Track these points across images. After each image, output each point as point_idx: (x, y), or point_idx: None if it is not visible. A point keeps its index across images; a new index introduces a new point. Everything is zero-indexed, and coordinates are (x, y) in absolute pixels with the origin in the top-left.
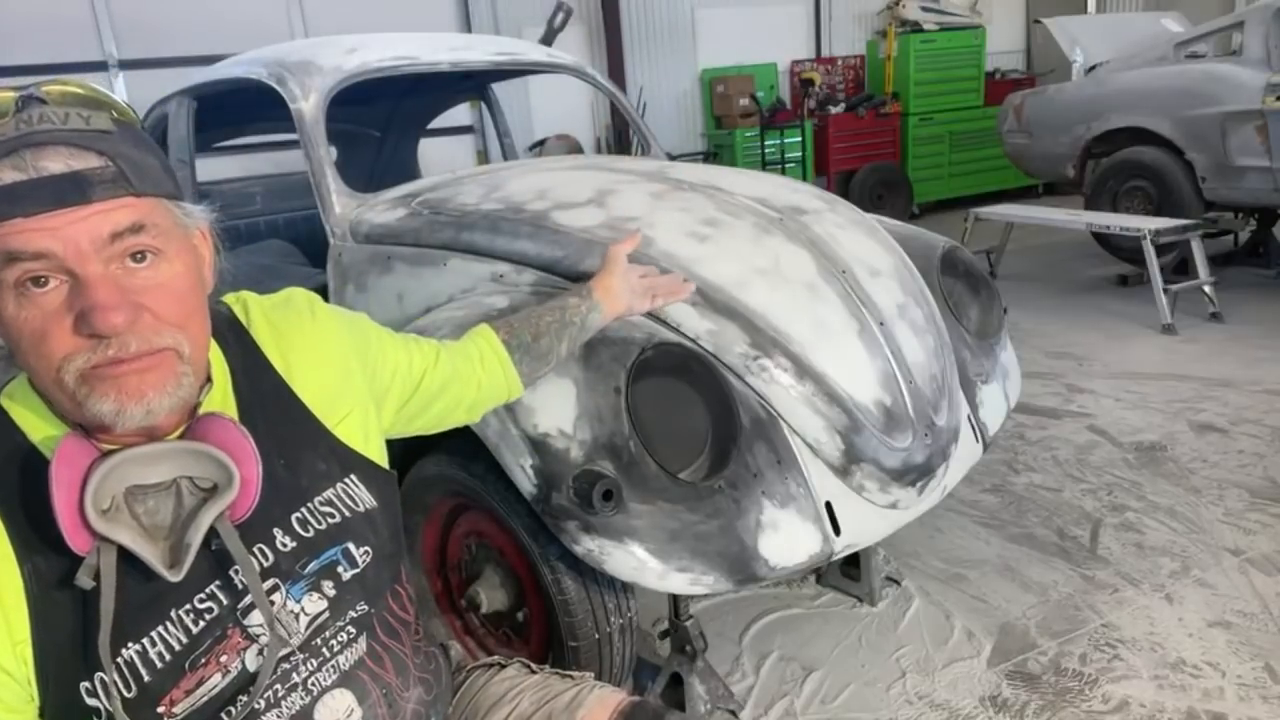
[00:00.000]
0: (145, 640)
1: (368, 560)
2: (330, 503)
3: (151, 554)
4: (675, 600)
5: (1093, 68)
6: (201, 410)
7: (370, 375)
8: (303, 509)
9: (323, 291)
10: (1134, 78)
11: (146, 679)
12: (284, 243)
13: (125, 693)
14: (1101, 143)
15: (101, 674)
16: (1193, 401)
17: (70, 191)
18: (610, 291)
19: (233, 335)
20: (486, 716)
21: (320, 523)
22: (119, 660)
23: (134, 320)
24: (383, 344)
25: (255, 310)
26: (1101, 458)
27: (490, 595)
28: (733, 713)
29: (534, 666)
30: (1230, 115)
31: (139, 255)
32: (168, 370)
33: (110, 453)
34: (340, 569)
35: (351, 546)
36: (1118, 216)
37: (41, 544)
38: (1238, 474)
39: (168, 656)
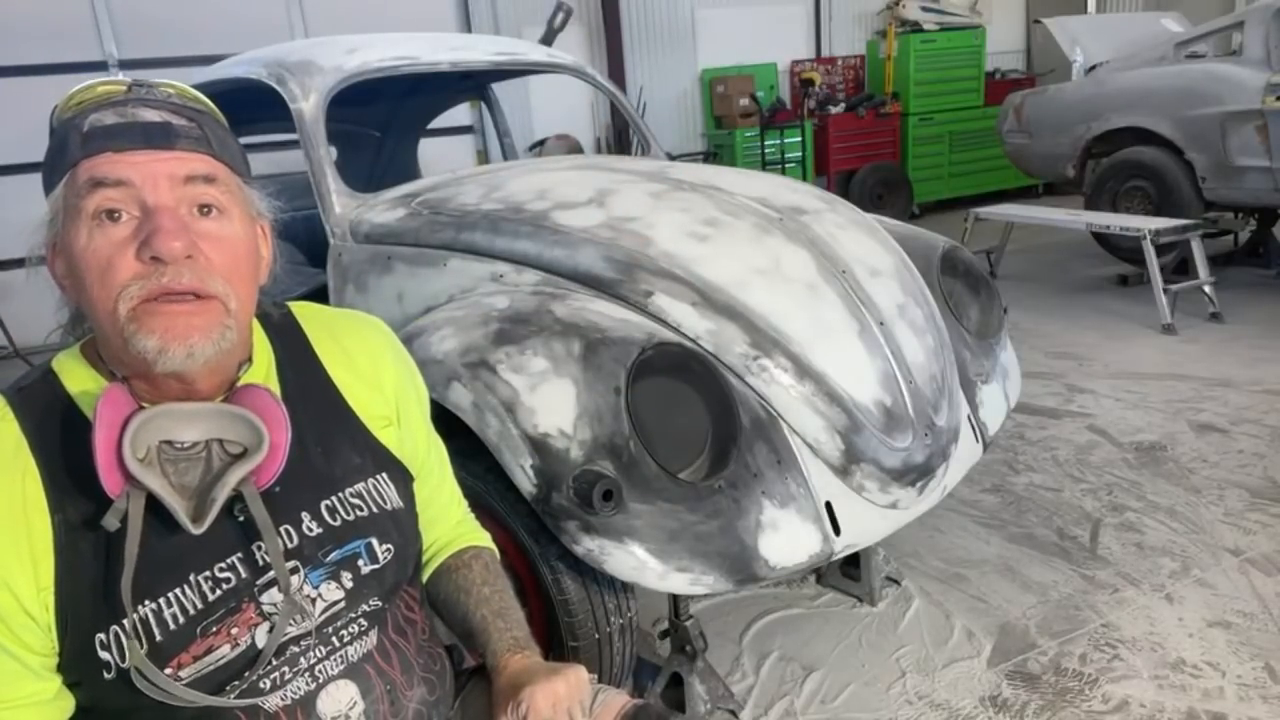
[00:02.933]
0: (162, 600)
1: (389, 557)
2: (360, 496)
3: (178, 504)
4: (675, 600)
5: (1093, 68)
6: (240, 385)
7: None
8: (333, 498)
9: (323, 291)
10: (1134, 78)
11: (158, 638)
12: (284, 243)
13: (129, 647)
14: (1101, 143)
15: (116, 626)
16: (1193, 401)
17: (158, 135)
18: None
19: (285, 330)
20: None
21: (349, 514)
22: (135, 616)
23: (191, 253)
24: (422, 428)
25: (317, 316)
26: (1101, 458)
27: None
28: (733, 713)
29: None
30: (1230, 115)
31: (206, 209)
32: (215, 318)
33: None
34: (361, 562)
35: (375, 542)
36: (1118, 216)
37: (73, 493)
38: (1238, 474)
39: (181, 619)
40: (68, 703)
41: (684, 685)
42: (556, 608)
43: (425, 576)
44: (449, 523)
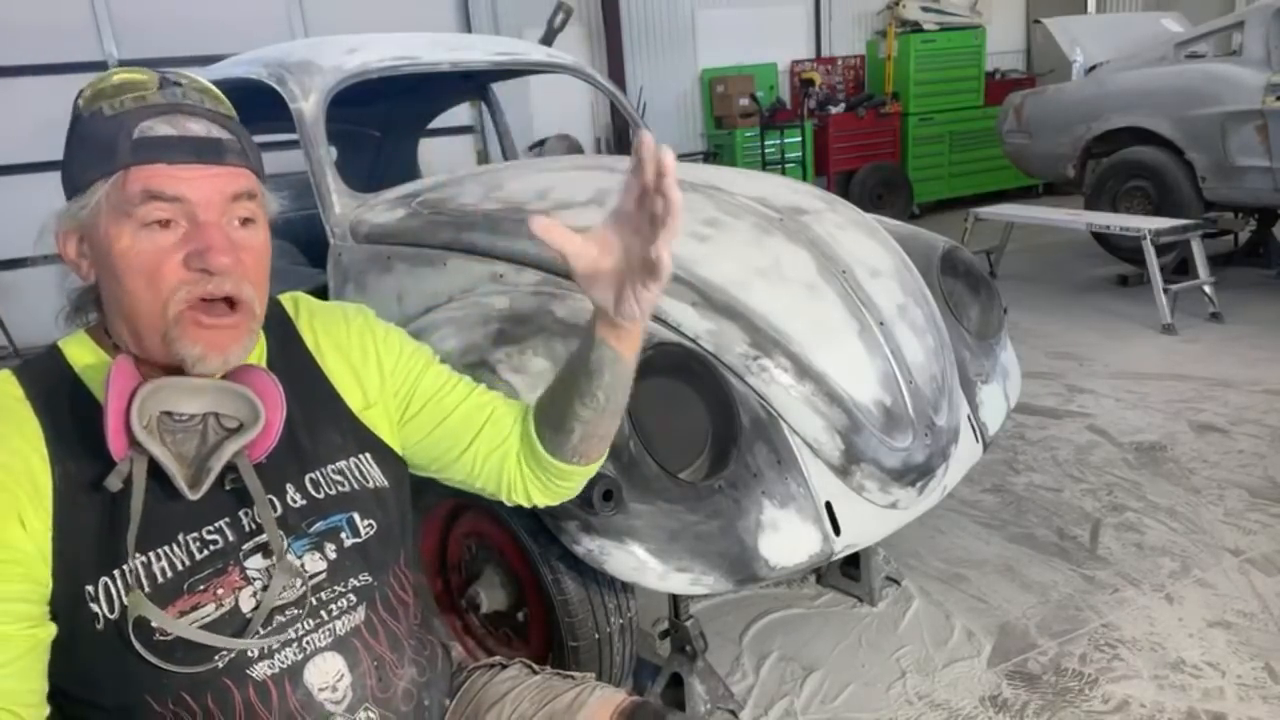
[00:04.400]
0: (151, 554)
1: (371, 533)
2: (342, 473)
3: (177, 471)
4: (675, 600)
5: (1093, 68)
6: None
7: (398, 391)
8: (316, 472)
9: (323, 291)
10: (1134, 78)
11: (147, 590)
12: (284, 243)
13: (130, 595)
14: (1101, 143)
15: (105, 577)
16: (1193, 401)
17: (209, 151)
18: (603, 322)
19: (275, 319)
20: (487, 716)
21: (331, 488)
22: (124, 568)
23: (234, 265)
24: (425, 371)
25: (304, 306)
26: (1101, 458)
27: (490, 595)
28: (733, 713)
29: (535, 667)
30: (1230, 115)
31: (243, 220)
32: (245, 329)
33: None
34: (343, 535)
35: (357, 516)
36: (1118, 216)
37: (74, 452)
38: (1238, 474)
39: (169, 573)
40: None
41: (684, 685)
42: (556, 608)
43: (535, 439)
44: (505, 411)
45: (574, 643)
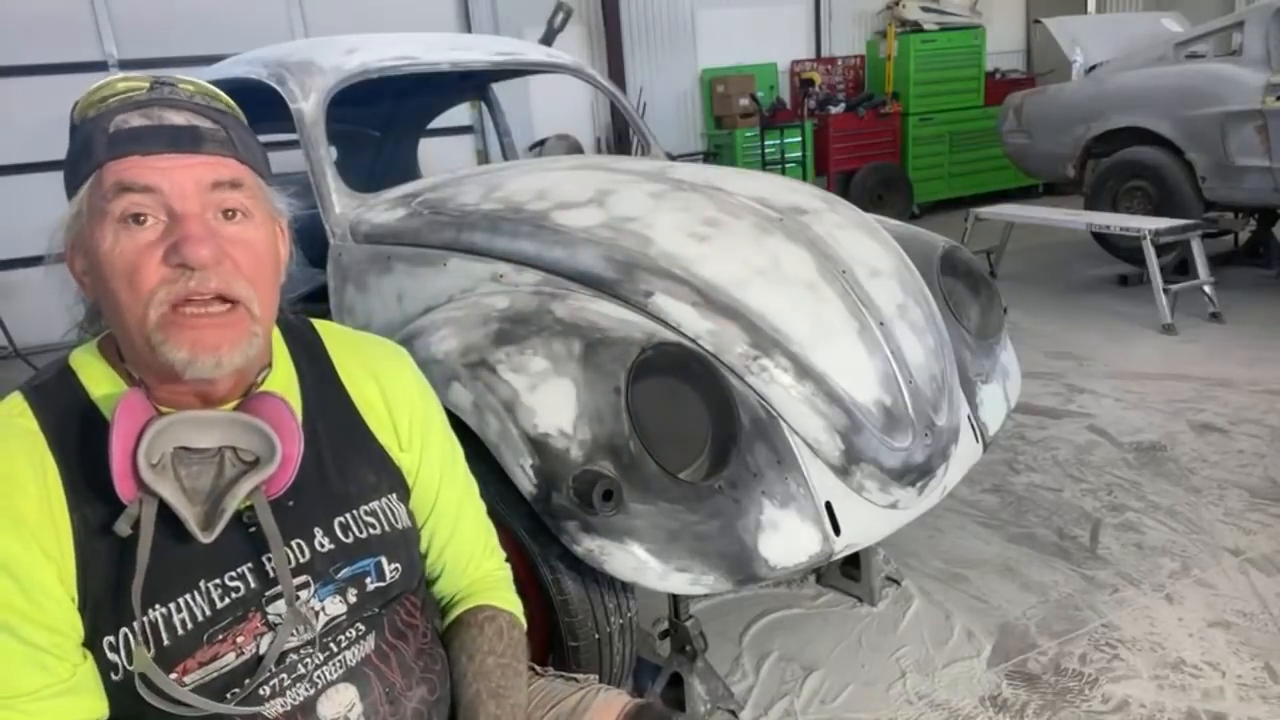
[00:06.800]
0: (171, 605)
1: (396, 576)
2: (374, 514)
3: (188, 513)
4: (675, 600)
5: (1093, 68)
6: (258, 390)
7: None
8: (347, 515)
9: (323, 291)
10: (1134, 78)
11: (166, 643)
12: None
13: (135, 650)
14: (1101, 143)
15: (125, 629)
16: (1193, 401)
17: (185, 139)
18: None
19: (305, 343)
20: None
21: (361, 531)
22: (145, 619)
23: (218, 259)
24: (443, 481)
25: (341, 336)
26: (1101, 458)
27: None
28: (733, 713)
29: (538, 669)
30: (1230, 115)
31: (230, 213)
32: (242, 328)
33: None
34: (368, 579)
35: (384, 561)
36: (1118, 216)
37: (91, 494)
38: (1238, 474)
39: (189, 624)
40: (91, 702)
41: (684, 685)
42: (556, 608)
43: (443, 625)
44: (476, 573)
45: (574, 643)
